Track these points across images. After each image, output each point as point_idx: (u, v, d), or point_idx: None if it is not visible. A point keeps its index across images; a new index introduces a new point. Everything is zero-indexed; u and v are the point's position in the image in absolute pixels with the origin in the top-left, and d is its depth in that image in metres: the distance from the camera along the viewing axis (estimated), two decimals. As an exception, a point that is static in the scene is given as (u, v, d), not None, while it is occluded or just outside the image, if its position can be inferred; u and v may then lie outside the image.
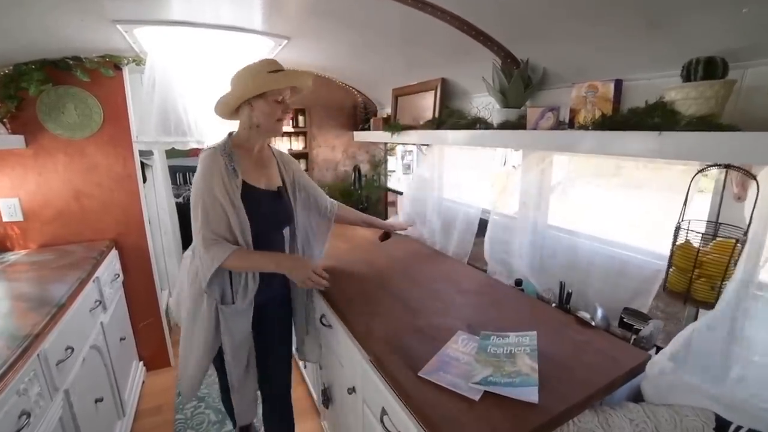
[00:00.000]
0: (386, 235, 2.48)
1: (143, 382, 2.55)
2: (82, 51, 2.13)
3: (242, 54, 2.31)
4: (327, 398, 1.90)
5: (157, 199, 3.02)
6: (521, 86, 1.60)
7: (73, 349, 1.57)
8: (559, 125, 1.48)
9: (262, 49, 2.25)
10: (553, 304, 1.59)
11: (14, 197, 2.23)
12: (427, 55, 1.97)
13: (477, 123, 1.84)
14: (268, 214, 1.54)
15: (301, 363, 2.50)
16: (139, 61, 2.28)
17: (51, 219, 2.31)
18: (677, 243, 1.11)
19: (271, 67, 1.42)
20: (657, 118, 1.08)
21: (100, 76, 2.22)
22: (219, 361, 1.57)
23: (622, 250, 1.46)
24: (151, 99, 2.24)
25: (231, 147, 1.47)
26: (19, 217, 2.26)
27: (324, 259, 2.00)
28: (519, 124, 1.62)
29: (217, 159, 1.41)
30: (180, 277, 1.70)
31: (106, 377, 2.01)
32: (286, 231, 1.67)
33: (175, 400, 2.40)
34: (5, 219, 2.24)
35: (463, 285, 1.75)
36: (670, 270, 1.14)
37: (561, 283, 1.57)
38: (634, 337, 1.31)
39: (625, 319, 1.34)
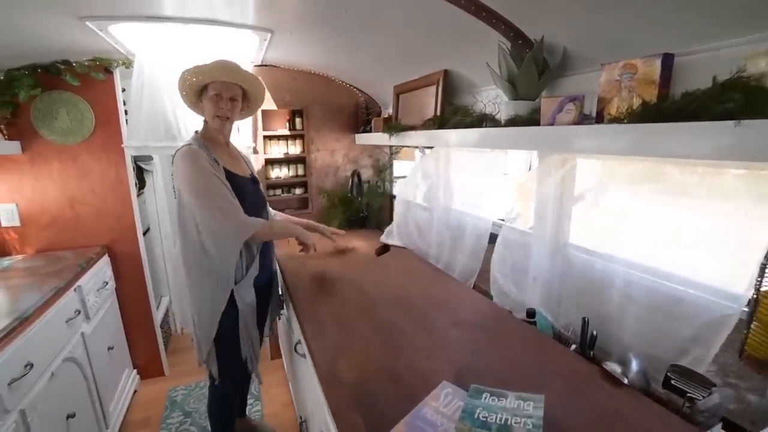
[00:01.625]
0: (384, 249, 2.12)
1: (135, 391, 2.33)
2: (72, 54, 1.96)
3: (231, 54, 2.04)
4: (306, 434, 1.57)
5: (157, 205, 2.81)
6: (534, 72, 1.20)
7: (32, 365, 1.36)
8: (582, 119, 1.08)
9: (248, 47, 1.98)
10: (573, 346, 1.18)
11: (12, 203, 2.10)
12: (428, 43, 1.61)
13: (483, 120, 1.45)
14: (252, 196, 1.57)
15: (290, 384, 2.19)
16: (128, 64, 2.06)
17: (47, 225, 2.16)
18: (763, 288, 0.69)
19: (218, 64, 1.44)
20: (731, 101, 0.67)
21: (91, 80, 2.04)
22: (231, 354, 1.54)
23: (671, 283, 1.03)
24: (140, 102, 2.02)
25: (203, 142, 1.47)
26: (17, 223, 2.12)
27: (311, 273, 1.75)
28: (532, 119, 1.23)
29: (198, 152, 1.41)
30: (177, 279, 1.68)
31: (85, 390, 1.80)
32: None
33: (162, 413, 2.15)
34: (3, 224, 2.11)
35: (462, 314, 1.37)
36: (752, 326, 0.71)
37: (584, 319, 1.16)
38: (687, 406, 0.89)
39: (673, 381, 0.91)
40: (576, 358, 1.09)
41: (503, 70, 1.28)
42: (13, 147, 2.01)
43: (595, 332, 1.08)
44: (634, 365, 0.96)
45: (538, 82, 1.22)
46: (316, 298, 1.52)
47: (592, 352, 1.09)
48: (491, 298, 1.55)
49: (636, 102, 0.93)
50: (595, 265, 1.24)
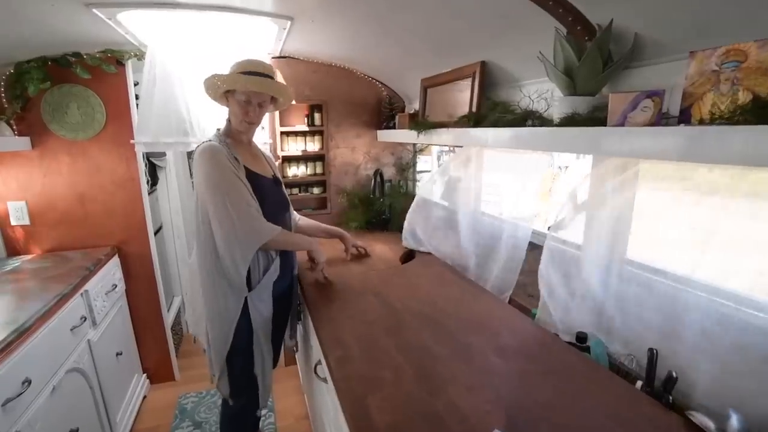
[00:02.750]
0: (409, 256, 1.95)
1: (144, 397, 2.22)
2: (82, 46, 1.84)
3: (248, 45, 1.90)
4: (326, 460, 1.43)
5: (170, 204, 2.67)
6: (598, 63, 1.02)
7: (30, 382, 1.24)
8: (660, 119, 0.89)
9: (266, 37, 1.82)
10: (639, 384, 1.00)
11: (21, 200, 1.99)
12: (463, 31, 1.42)
13: (528, 118, 1.27)
14: (274, 197, 1.49)
15: (305, 396, 2.05)
16: (141, 56, 1.93)
17: (56, 223, 2.04)
18: None
19: (251, 68, 1.33)
20: None
21: (102, 73, 1.92)
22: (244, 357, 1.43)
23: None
24: (152, 96, 1.88)
25: (225, 139, 1.38)
26: (26, 221, 2.01)
27: (331, 282, 1.62)
28: (593, 118, 1.04)
29: (218, 148, 1.32)
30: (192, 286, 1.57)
31: (90, 401, 1.69)
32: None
33: (171, 422, 2.04)
34: (13, 222, 2.01)
35: (504, 339, 1.19)
36: None
37: (652, 352, 0.97)
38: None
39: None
40: (650, 402, 0.91)
41: (558, 59, 1.10)
42: (23, 143, 1.90)
43: (675, 373, 0.90)
44: (735, 421, 0.77)
45: (602, 75, 1.04)
46: (337, 313, 1.37)
47: (670, 397, 0.90)
48: (532, 315, 1.38)
49: (745, 97, 0.74)
50: (662, 288, 1.06)
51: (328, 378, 1.15)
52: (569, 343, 1.19)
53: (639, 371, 1.05)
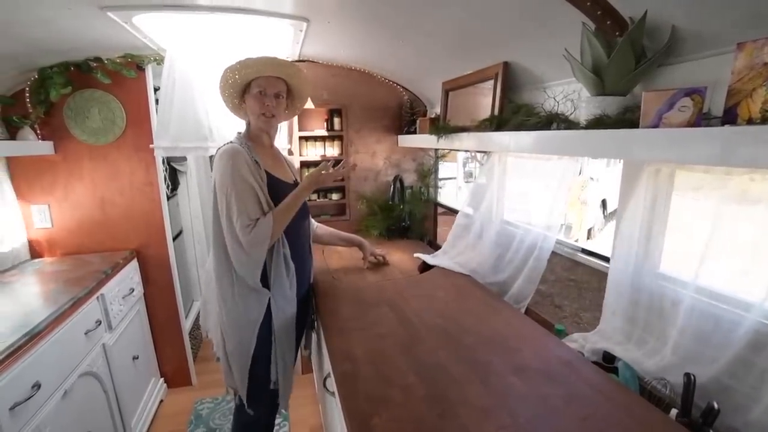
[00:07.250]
0: (427, 265, 1.90)
1: (161, 401, 2.25)
2: (103, 51, 1.90)
3: (267, 48, 1.91)
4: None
5: (191, 208, 2.73)
6: (630, 59, 0.96)
7: (40, 386, 1.26)
8: (700, 120, 0.82)
9: (284, 40, 1.84)
10: (674, 412, 0.91)
11: (44, 203, 2.07)
12: (484, 31, 1.38)
13: (553, 121, 1.21)
14: None
15: (320, 406, 2.02)
16: (160, 61, 1.98)
17: (77, 227, 2.12)
18: None
19: (265, 59, 1.34)
20: None
21: (122, 77, 1.98)
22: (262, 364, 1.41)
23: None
24: (171, 100, 1.92)
25: (245, 142, 1.39)
26: (48, 224, 2.09)
27: (345, 292, 1.58)
28: (623, 120, 0.98)
29: (239, 150, 1.32)
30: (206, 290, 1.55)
31: (104, 405, 1.72)
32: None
33: (186, 428, 2.06)
34: (36, 225, 2.08)
35: (524, 357, 1.12)
36: None
37: (689, 377, 0.89)
38: None
39: None
40: (687, 435, 0.83)
41: (585, 57, 1.04)
42: (47, 147, 1.99)
43: (717, 405, 0.82)
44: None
45: (634, 73, 0.97)
46: (349, 324, 1.34)
47: (711, 431, 0.82)
48: (556, 331, 1.30)
49: (801, 94, 0.67)
50: (700, 307, 0.97)
51: (337, 398, 1.12)
52: (595, 363, 1.12)
53: (671, 394, 0.97)
